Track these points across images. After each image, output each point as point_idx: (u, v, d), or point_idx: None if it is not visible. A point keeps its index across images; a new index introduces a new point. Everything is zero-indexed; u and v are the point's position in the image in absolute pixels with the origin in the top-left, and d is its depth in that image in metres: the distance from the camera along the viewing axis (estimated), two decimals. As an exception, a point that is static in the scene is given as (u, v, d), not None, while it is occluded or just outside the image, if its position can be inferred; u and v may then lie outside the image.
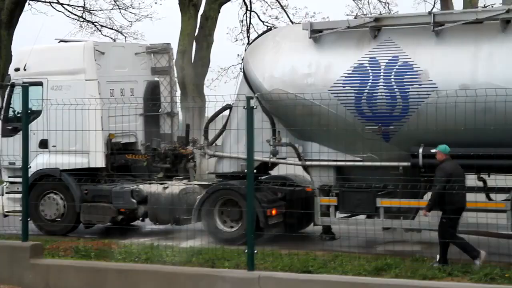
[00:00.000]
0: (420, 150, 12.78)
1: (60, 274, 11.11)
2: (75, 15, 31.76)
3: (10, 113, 16.11)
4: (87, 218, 15.39)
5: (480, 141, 12.36)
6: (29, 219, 11.75)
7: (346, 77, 13.41)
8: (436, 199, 11.71)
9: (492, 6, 16.87)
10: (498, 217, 12.33)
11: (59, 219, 15.63)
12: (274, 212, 13.88)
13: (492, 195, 12.97)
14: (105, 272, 10.96)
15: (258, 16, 29.16)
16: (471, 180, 12.74)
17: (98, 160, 15.41)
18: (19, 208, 13.57)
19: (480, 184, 13.03)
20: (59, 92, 15.27)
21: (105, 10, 32.02)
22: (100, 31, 31.98)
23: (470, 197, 12.26)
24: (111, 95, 15.71)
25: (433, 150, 12.14)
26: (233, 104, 14.54)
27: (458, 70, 12.71)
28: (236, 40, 29.45)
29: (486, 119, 12.21)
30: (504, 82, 12.15)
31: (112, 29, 32.18)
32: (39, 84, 15.63)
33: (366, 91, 13.19)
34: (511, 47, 12.52)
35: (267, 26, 26.37)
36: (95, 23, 32.17)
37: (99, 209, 15.23)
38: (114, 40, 30.93)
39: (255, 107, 10.43)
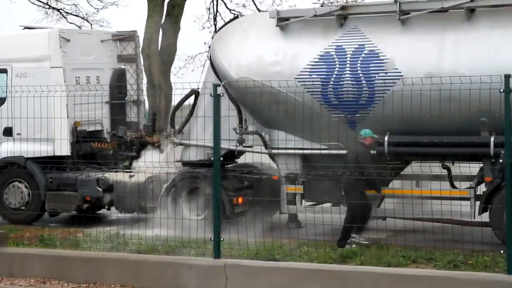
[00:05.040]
0: (386, 138, 12.87)
1: (25, 262, 11.04)
2: (40, 1, 31.41)
3: (-26, 101, 15.94)
4: (52, 206, 15.29)
5: (445, 129, 12.46)
6: (-7, 207, 11.68)
7: (312, 65, 13.43)
8: None
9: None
10: (462, 205, 12.46)
11: (23, 207, 15.51)
12: (240, 200, 13.88)
13: (456, 183, 13.10)
14: (70, 261, 10.91)
15: (225, 4, 29.06)
16: (435, 167, 12.87)
17: (63, 148, 15.29)
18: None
19: (445, 172, 13.14)
20: (24, 79, 15.12)
21: (71, -4, 31.73)
22: (65, 18, 31.65)
23: (435, 185, 12.39)
24: (76, 83, 15.59)
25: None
26: (198, 89, 14.51)
27: (423, 58, 12.79)
28: (203, 28, 29.32)
29: (451, 107, 12.32)
30: (468, 70, 12.24)
31: (77, 16, 31.88)
32: (4, 71, 15.50)
33: (332, 79, 13.24)
34: (475, 36, 12.62)
35: (234, 14, 26.29)
36: (60, 10, 31.83)
37: (64, 198, 15.14)
38: (80, 27, 30.66)
39: (222, 94, 10.43)
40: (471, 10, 12.70)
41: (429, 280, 9.34)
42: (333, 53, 13.33)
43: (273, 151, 13.99)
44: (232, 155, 14.57)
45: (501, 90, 9.37)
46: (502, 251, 9.56)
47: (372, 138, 12.65)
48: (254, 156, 14.79)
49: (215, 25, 27.73)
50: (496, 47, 12.41)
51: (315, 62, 13.42)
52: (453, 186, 13.07)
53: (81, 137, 15.56)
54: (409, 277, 9.44)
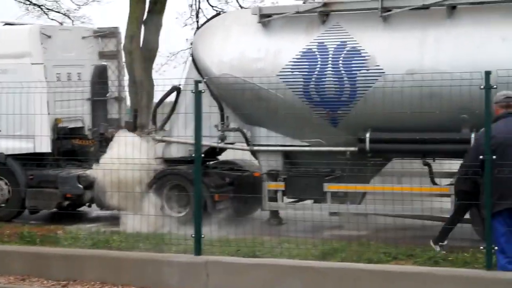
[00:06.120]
0: (367, 135, 12.89)
1: (4, 259, 10.96)
2: (21, -3, 31.16)
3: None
4: (32, 203, 15.19)
5: (426, 126, 12.49)
6: (-28, 204, 11.60)
7: (294, 62, 13.42)
8: None
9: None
10: (442, 201, 12.50)
11: (3, 204, 15.39)
12: (221, 197, 13.86)
13: (437, 180, 13.13)
14: (50, 258, 10.84)
15: (208, 1, 28.96)
16: (416, 164, 12.89)
17: (44, 145, 15.21)
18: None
19: (426, 168, 13.15)
20: (5, 76, 14.98)
21: (52, -8, 31.49)
22: (46, 14, 31.43)
23: (415, 181, 12.43)
24: (57, 79, 15.50)
25: None
26: (180, 85, 14.48)
27: (405, 55, 12.80)
28: (185, 25, 29.18)
29: (432, 103, 12.34)
30: (450, 67, 12.28)
31: (59, 12, 31.66)
32: (-17, 67, 15.37)
33: (315, 76, 13.23)
34: (457, 33, 12.65)
35: (217, 10, 26.22)
36: (41, 6, 31.63)
37: (44, 195, 15.04)
38: (61, 23, 30.47)
39: (203, 91, 10.40)
40: (453, 7, 12.74)
41: (409, 276, 9.35)
42: (315, 50, 13.32)
43: (255, 147, 13.98)
44: (213, 152, 14.55)
45: (482, 87, 9.39)
46: (481, 247, 9.59)
47: None
48: (236, 153, 14.77)
49: (197, 21, 27.63)
50: (477, 44, 12.44)
51: (297, 59, 13.40)
52: (433, 183, 13.09)
53: (62, 134, 15.49)
54: (390, 273, 9.45)
